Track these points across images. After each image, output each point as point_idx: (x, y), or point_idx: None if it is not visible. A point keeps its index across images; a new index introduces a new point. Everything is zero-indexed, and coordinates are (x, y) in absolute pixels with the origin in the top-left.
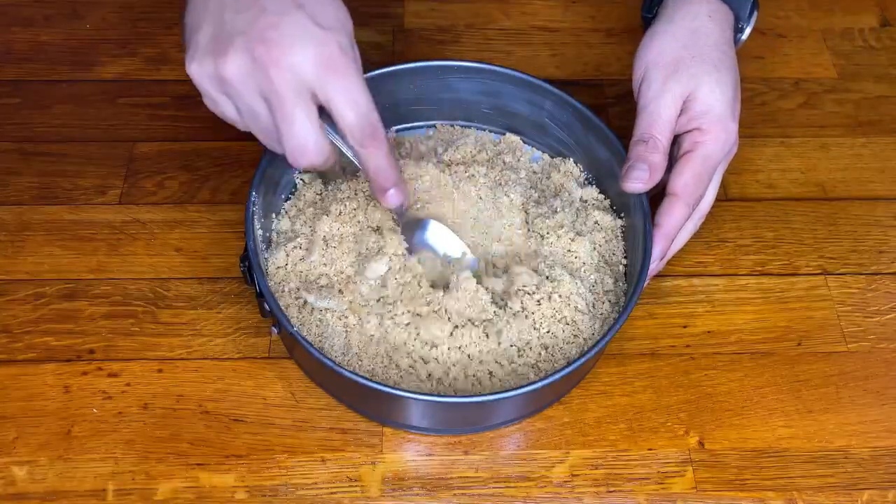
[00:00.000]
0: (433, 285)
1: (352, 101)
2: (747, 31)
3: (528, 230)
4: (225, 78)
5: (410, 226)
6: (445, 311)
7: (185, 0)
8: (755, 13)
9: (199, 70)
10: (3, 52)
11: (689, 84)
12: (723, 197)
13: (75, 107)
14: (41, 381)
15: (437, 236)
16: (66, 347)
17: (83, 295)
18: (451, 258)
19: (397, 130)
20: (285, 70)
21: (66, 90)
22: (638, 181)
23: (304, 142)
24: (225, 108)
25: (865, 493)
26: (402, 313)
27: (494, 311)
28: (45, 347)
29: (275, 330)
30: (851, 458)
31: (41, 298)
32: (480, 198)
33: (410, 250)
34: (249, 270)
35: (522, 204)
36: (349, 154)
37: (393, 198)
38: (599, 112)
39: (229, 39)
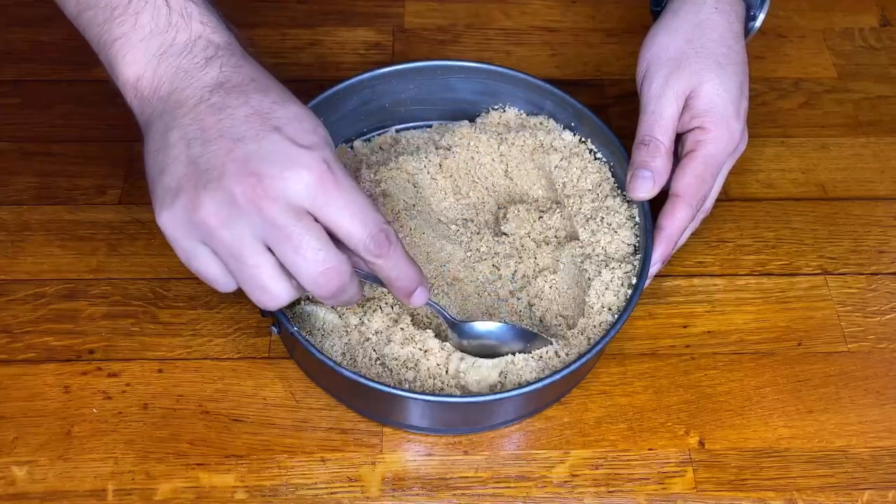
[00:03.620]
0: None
1: (357, 215)
2: (760, 17)
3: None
4: (203, 224)
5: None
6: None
7: (142, 137)
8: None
9: (170, 219)
10: (3, 52)
11: (691, 81)
12: (723, 197)
13: (75, 107)
14: (41, 381)
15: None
16: (66, 347)
17: (83, 295)
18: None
19: (397, 130)
20: (278, 200)
21: (66, 90)
22: (642, 191)
23: (327, 264)
24: (202, 261)
25: (865, 494)
26: (403, 313)
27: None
28: (45, 347)
29: (275, 330)
30: (851, 458)
31: (41, 298)
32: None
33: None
34: None
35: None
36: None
37: (419, 297)
38: (599, 112)
39: (203, 177)
